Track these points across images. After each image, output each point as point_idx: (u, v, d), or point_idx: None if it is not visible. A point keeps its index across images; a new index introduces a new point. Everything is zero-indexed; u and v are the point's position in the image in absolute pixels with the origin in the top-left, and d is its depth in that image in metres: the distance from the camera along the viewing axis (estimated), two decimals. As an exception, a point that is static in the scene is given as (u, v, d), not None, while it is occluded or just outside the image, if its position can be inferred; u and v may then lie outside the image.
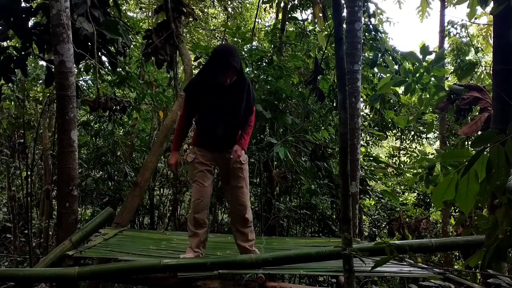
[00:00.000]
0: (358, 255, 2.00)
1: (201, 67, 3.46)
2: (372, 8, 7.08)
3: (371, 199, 8.30)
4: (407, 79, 4.23)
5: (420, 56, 4.30)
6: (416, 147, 10.39)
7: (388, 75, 4.36)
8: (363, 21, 5.21)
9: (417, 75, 4.18)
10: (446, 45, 8.84)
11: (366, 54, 7.28)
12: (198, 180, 3.31)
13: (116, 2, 5.46)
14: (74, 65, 4.25)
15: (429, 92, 4.43)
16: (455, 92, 4.11)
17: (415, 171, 4.33)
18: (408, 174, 10.23)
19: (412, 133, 9.94)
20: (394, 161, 10.57)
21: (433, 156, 4.86)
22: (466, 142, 5.35)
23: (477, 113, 4.19)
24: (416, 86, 6.50)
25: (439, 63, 4.20)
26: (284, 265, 3.16)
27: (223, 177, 3.59)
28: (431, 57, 4.34)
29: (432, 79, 4.27)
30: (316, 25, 7.14)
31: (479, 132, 3.74)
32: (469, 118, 4.39)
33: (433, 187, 3.58)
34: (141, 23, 8.94)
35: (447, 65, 9.32)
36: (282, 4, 7.96)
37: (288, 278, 6.46)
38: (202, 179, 3.31)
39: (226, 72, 3.09)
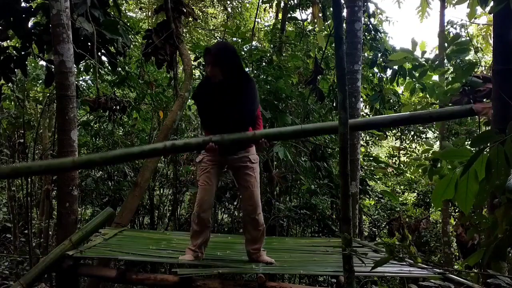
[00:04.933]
0: (358, 255, 2.00)
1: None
2: (372, 8, 7.08)
3: (371, 199, 8.30)
4: (425, 63, 3.90)
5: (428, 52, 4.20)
6: (416, 147, 10.40)
7: (400, 52, 3.94)
8: (363, 21, 5.21)
9: (436, 62, 3.99)
10: (445, 45, 8.81)
11: (366, 54, 7.28)
12: (204, 180, 3.32)
13: (116, 2, 5.46)
14: (74, 65, 4.25)
15: (429, 93, 4.34)
16: (469, 85, 3.98)
17: (419, 162, 4.24)
18: (407, 174, 10.24)
19: (412, 133, 9.95)
20: (394, 161, 10.58)
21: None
22: (466, 142, 5.34)
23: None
24: (416, 86, 6.47)
25: (463, 53, 4.05)
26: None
27: (235, 177, 3.57)
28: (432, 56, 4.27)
29: (451, 69, 4.09)
30: (316, 25, 7.14)
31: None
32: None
33: (437, 178, 3.51)
34: (141, 23, 8.94)
35: (446, 65, 9.31)
36: (282, 4, 7.96)
37: (288, 278, 6.46)
38: (208, 178, 3.32)
39: (207, 65, 3.23)
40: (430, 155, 3.81)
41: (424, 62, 3.91)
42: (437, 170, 3.60)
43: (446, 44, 3.99)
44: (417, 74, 6.02)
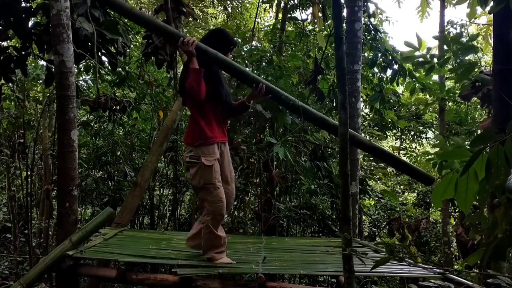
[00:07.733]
0: (358, 255, 2.00)
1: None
2: (372, 8, 7.08)
3: (371, 199, 8.30)
4: (433, 59, 4.09)
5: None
6: (416, 147, 10.40)
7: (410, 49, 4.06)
8: (363, 21, 5.21)
9: (444, 58, 4.06)
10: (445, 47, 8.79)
11: (366, 54, 7.28)
12: (220, 182, 3.22)
13: (116, 2, 5.44)
14: (74, 65, 4.24)
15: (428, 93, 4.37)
16: (480, 81, 3.98)
17: (429, 157, 4.24)
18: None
19: (412, 133, 9.95)
20: (394, 161, 10.55)
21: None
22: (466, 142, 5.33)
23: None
24: (417, 86, 6.46)
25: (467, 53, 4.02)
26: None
27: None
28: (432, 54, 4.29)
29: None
30: (316, 25, 7.14)
31: None
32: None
33: (448, 171, 3.47)
34: (141, 23, 8.91)
35: (446, 65, 9.29)
36: (282, 4, 7.96)
37: (288, 278, 6.46)
38: (220, 178, 3.25)
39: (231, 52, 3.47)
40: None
41: (429, 59, 3.97)
42: (447, 165, 3.57)
43: (446, 47, 4.00)
44: (420, 73, 6.02)
